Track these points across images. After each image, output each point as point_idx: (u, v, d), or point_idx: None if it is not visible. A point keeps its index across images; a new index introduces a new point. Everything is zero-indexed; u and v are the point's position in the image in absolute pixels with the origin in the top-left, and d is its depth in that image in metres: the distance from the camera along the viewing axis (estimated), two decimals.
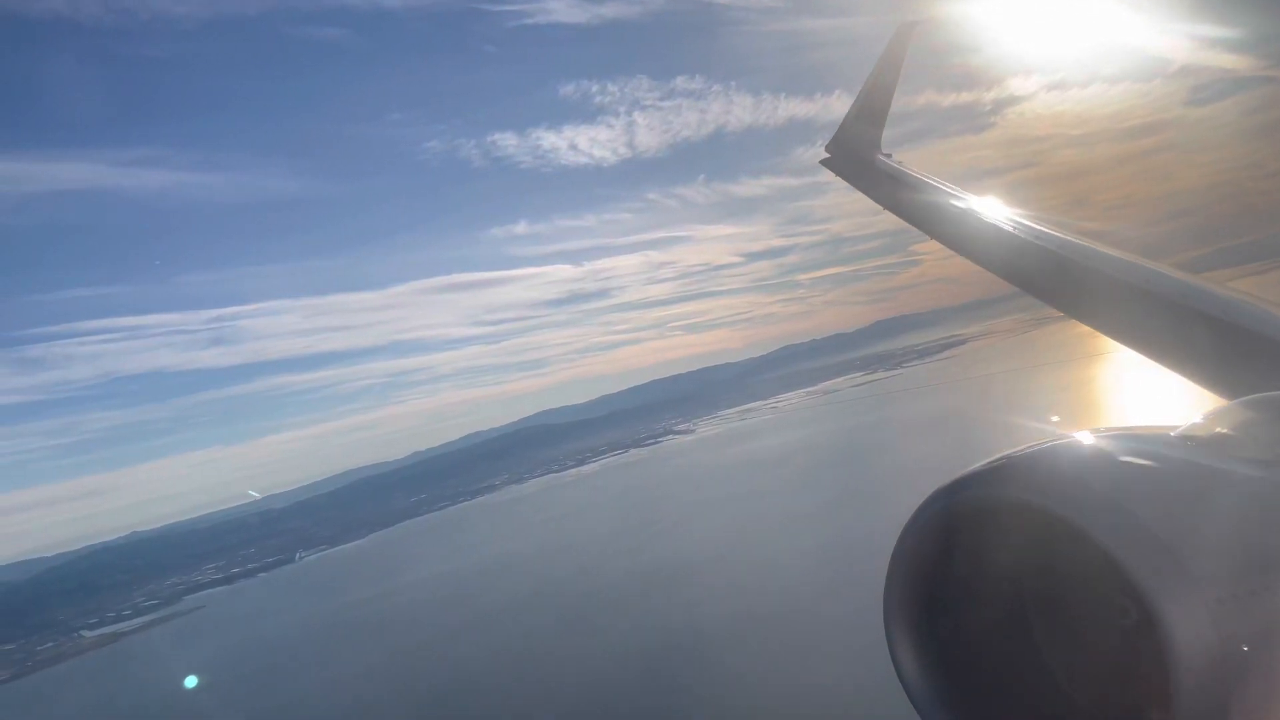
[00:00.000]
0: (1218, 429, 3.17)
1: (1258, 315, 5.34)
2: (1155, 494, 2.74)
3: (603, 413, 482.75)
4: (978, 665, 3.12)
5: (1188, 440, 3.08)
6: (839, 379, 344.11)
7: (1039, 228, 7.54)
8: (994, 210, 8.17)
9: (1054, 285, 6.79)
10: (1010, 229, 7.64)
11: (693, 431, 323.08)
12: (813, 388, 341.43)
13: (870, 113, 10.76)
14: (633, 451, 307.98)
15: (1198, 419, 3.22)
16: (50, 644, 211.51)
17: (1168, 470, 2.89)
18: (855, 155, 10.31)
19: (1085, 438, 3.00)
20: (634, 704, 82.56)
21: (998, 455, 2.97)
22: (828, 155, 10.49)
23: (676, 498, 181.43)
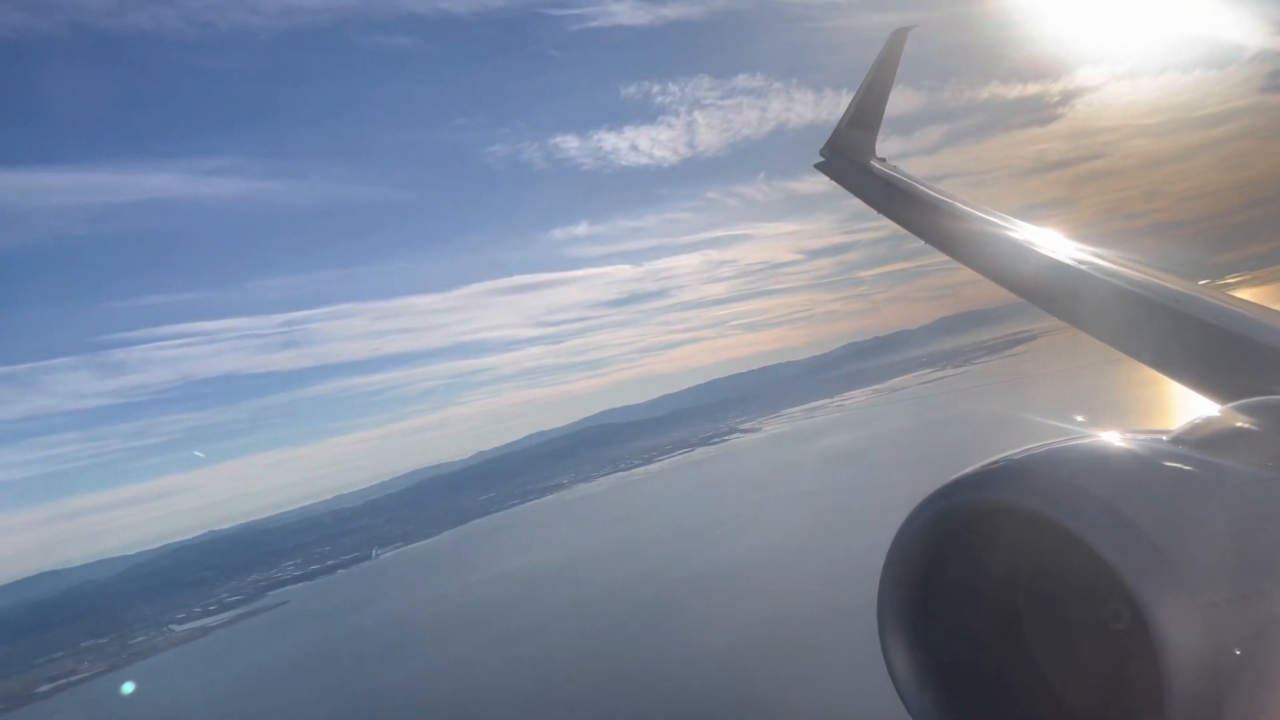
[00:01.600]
0: (1211, 433, 3.14)
1: (1250, 320, 5.43)
2: (1148, 498, 2.74)
3: (664, 412, 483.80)
4: (971, 669, 3.12)
5: (1180, 444, 3.06)
6: (906, 376, 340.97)
7: (1032, 232, 7.74)
8: (987, 215, 8.30)
9: (1047, 289, 6.83)
10: (1004, 234, 7.80)
11: (758, 430, 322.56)
12: (879, 385, 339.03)
13: (865, 117, 10.75)
14: (699, 450, 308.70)
15: (1191, 423, 3.20)
16: (142, 638, 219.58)
17: (1161, 474, 2.89)
18: (850, 159, 10.36)
19: (1078, 441, 3.02)
20: (714, 701, 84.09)
21: (991, 459, 2.97)
22: (822, 159, 10.57)
23: (749, 495, 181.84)
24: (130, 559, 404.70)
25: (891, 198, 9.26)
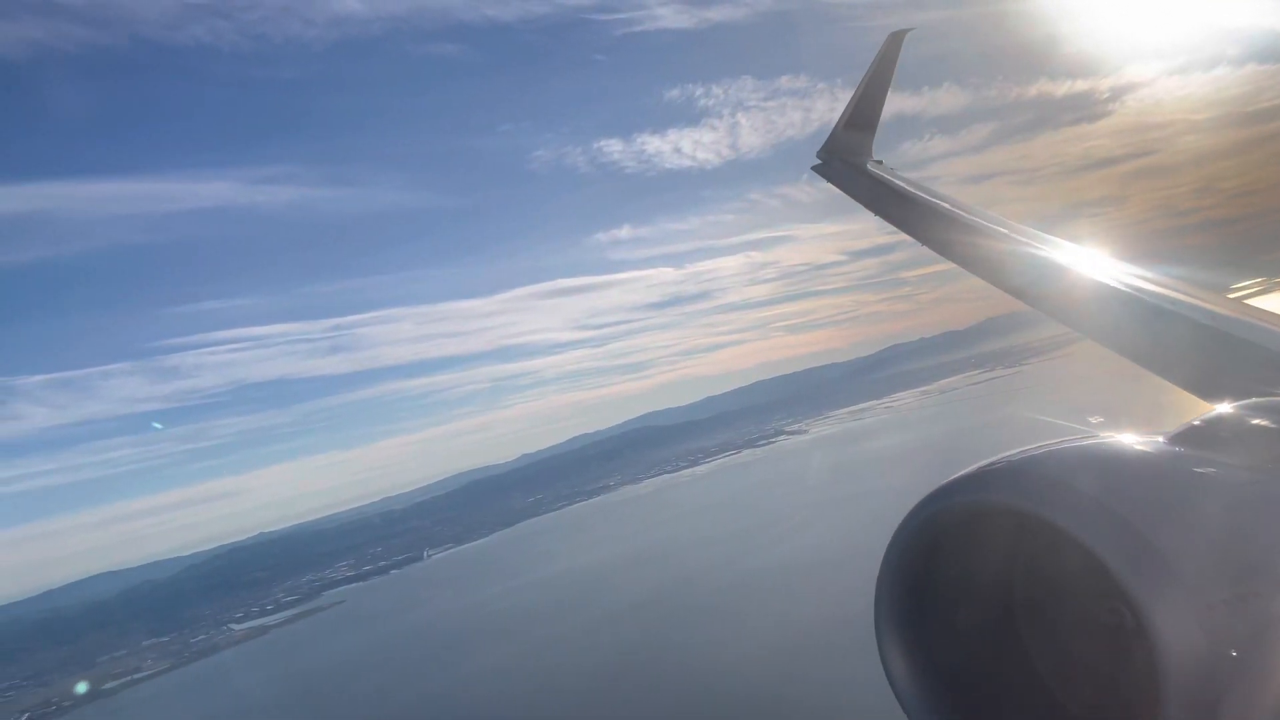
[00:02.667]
0: (1208, 435, 3.14)
1: (1248, 321, 5.47)
2: (1144, 499, 2.75)
3: (708, 414, 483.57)
4: (967, 670, 3.14)
5: (1176, 445, 3.08)
6: (955, 377, 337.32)
7: (1027, 233, 7.76)
8: (982, 218, 8.32)
9: (1042, 290, 6.84)
10: (999, 235, 7.81)
11: (805, 432, 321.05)
12: (928, 386, 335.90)
13: (862, 120, 10.75)
14: (745, 452, 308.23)
15: (1187, 425, 3.20)
16: (202, 636, 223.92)
17: (1157, 475, 2.92)
18: (847, 162, 10.40)
19: (1075, 442, 3.03)
20: (767, 702, 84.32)
21: (988, 460, 3.00)
22: (819, 162, 10.60)
23: (801, 497, 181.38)
24: (185, 560, 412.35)
25: (888, 200, 9.30)
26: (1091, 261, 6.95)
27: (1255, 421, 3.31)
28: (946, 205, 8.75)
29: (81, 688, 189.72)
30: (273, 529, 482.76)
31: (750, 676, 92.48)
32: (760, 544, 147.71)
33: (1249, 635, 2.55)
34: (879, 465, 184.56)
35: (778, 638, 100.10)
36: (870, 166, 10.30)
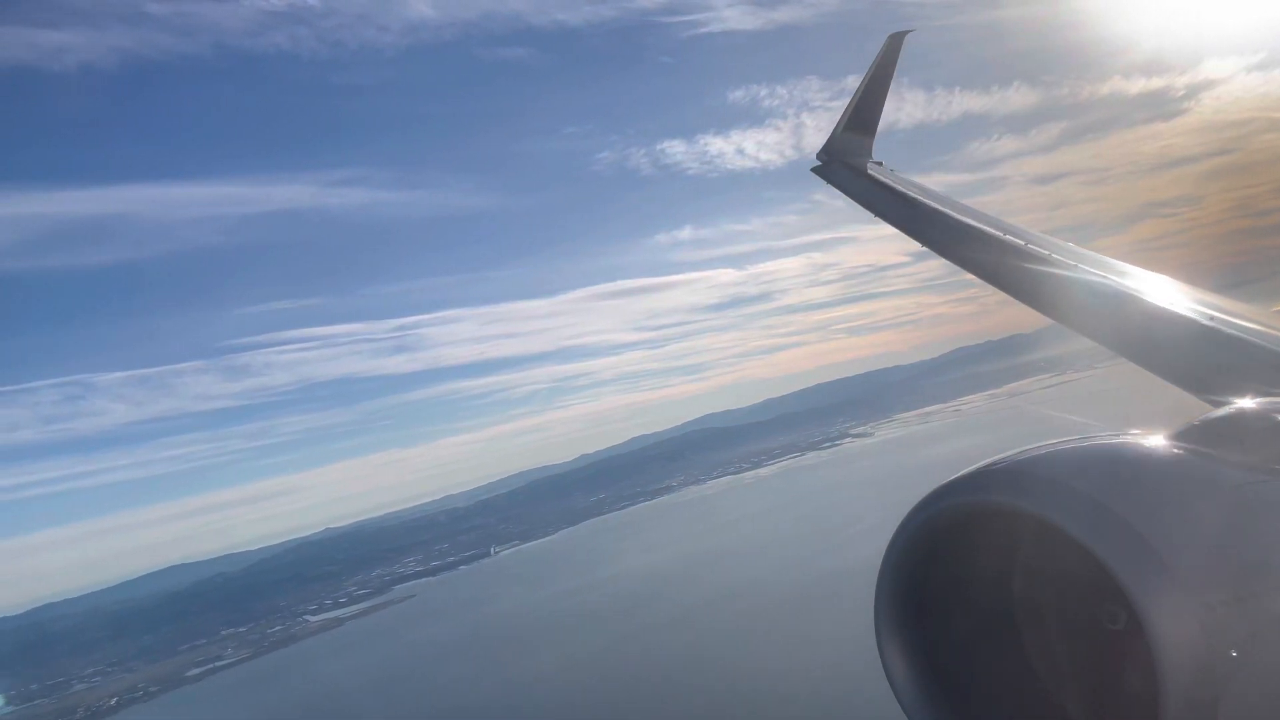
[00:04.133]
0: (1207, 435, 3.15)
1: (1248, 321, 5.51)
2: (1143, 499, 2.76)
3: (769, 416, 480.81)
4: (967, 670, 3.17)
5: (1176, 446, 3.08)
6: (1024, 381, 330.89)
7: (1027, 234, 7.82)
8: (981, 219, 8.37)
9: (1043, 291, 6.86)
10: (999, 236, 7.85)
11: (871, 435, 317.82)
12: (996, 390, 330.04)
13: (862, 121, 10.75)
14: (810, 454, 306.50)
15: (1187, 425, 3.21)
16: (279, 627, 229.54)
17: (1157, 476, 2.93)
18: (847, 164, 10.43)
19: (1073, 443, 3.06)
20: (842, 699, 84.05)
21: (987, 460, 3.02)
22: (819, 163, 10.61)
23: (870, 499, 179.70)
24: (255, 554, 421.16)
25: (888, 202, 9.37)
26: (1089, 262, 7.05)
27: (1255, 422, 3.30)
28: (946, 207, 8.81)
29: (165, 674, 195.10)
30: (338, 525, 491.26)
31: (821, 679, 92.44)
32: (833, 546, 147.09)
33: (1249, 636, 2.55)
34: (950, 469, 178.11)
35: (852, 641, 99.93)
36: (870, 169, 10.34)
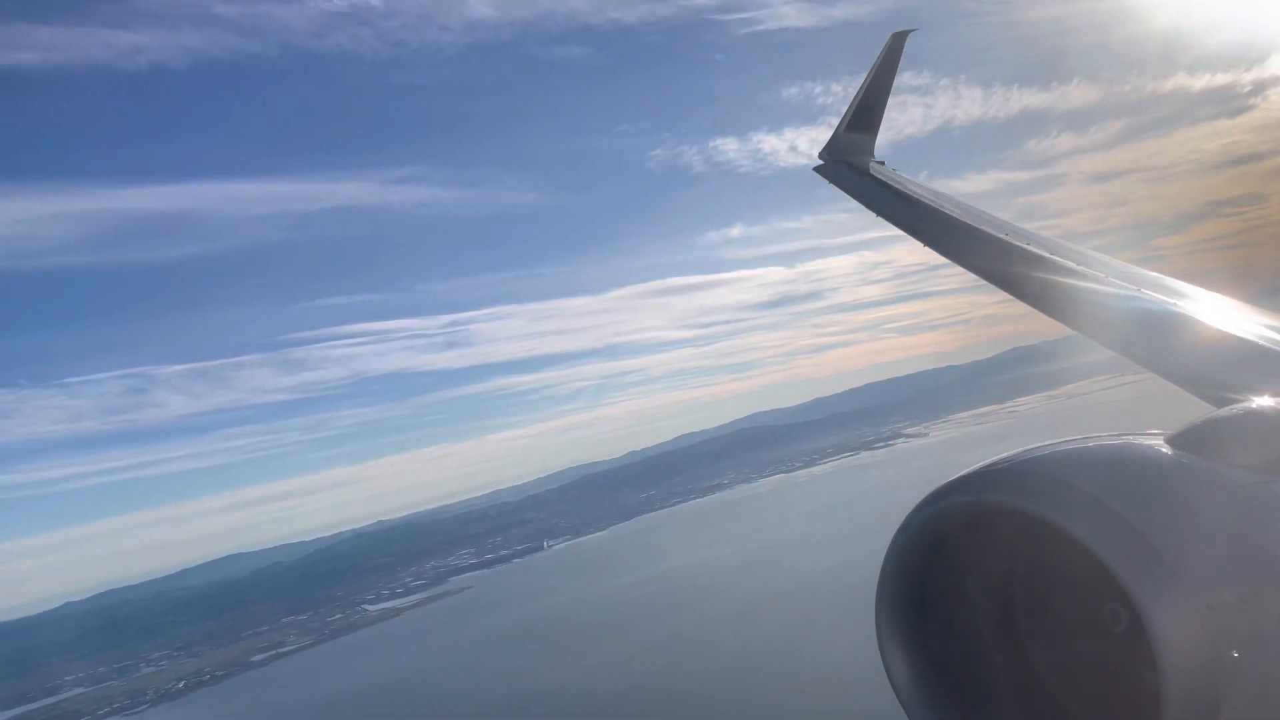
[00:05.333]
0: (1208, 436, 3.15)
1: (1249, 321, 5.52)
2: (1145, 499, 2.77)
3: (819, 415, 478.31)
4: (968, 670, 3.19)
5: (1178, 446, 3.09)
6: (1082, 382, 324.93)
7: (1029, 235, 7.83)
8: (985, 218, 8.40)
9: (1041, 289, 6.85)
10: (1001, 236, 7.85)
11: (925, 435, 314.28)
12: (1053, 391, 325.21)
13: (864, 121, 10.73)
14: (863, 454, 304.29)
15: (1187, 425, 3.22)
16: (338, 615, 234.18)
17: (1158, 476, 2.94)
18: (849, 163, 10.42)
19: (1075, 443, 3.08)
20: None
21: (989, 460, 3.03)
22: (821, 163, 10.61)
23: None
24: (310, 544, 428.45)
25: (890, 201, 9.37)
26: (1090, 261, 7.07)
27: (1256, 422, 3.31)
28: (947, 207, 8.82)
29: (230, 659, 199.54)
30: (390, 517, 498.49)
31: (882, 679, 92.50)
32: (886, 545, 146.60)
33: (1251, 636, 2.55)
34: None
35: None
36: (872, 168, 10.33)
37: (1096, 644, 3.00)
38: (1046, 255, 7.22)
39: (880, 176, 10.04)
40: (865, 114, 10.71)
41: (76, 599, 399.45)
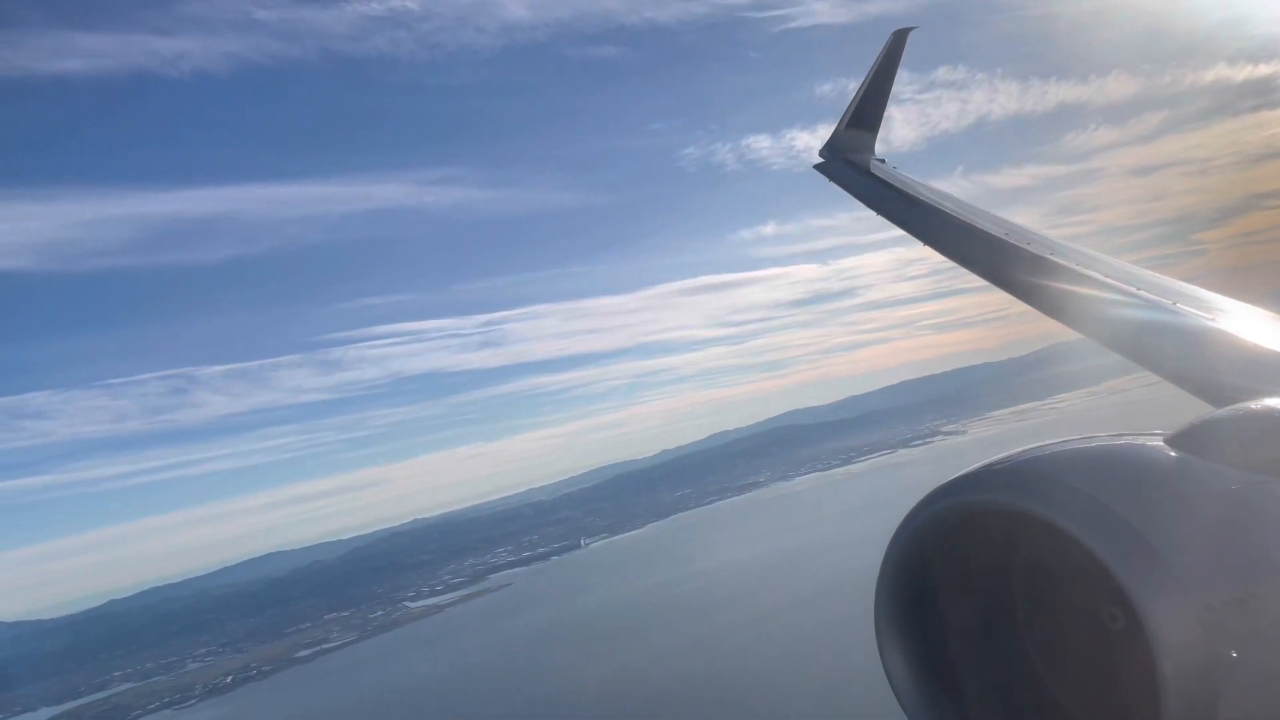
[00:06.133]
0: (1207, 436, 3.16)
1: (1247, 322, 5.59)
2: (1144, 500, 2.78)
3: (854, 414, 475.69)
4: (967, 670, 3.20)
5: (1177, 446, 3.10)
6: (1124, 379, 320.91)
7: (1031, 234, 7.82)
8: (985, 217, 8.39)
9: (1045, 291, 6.82)
10: (1002, 236, 7.84)
11: (964, 433, 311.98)
12: (1094, 388, 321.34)
13: (864, 119, 10.69)
14: (901, 452, 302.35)
15: (1186, 425, 3.24)
16: (380, 612, 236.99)
17: (1157, 476, 2.95)
18: (850, 161, 10.39)
19: (1074, 443, 3.09)
20: None
21: (988, 459, 3.05)
22: (822, 160, 10.60)
23: None
24: (348, 542, 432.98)
25: (890, 199, 9.34)
26: (1090, 261, 7.08)
27: (1255, 423, 3.32)
28: (948, 205, 8.82)
29: (275, 654, 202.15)
30: (427, 515, 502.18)
31: None
32: None
33: (1249, 636, 2.56)
34: None
35: None
36: (873, 166, 10.28)
37: (1095, 644, 3.01)
38: (1046, 255, 7.21)
39: (880, 175, 10.04)
40: (866, 112, 10.70)
41: (120, 596, 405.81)
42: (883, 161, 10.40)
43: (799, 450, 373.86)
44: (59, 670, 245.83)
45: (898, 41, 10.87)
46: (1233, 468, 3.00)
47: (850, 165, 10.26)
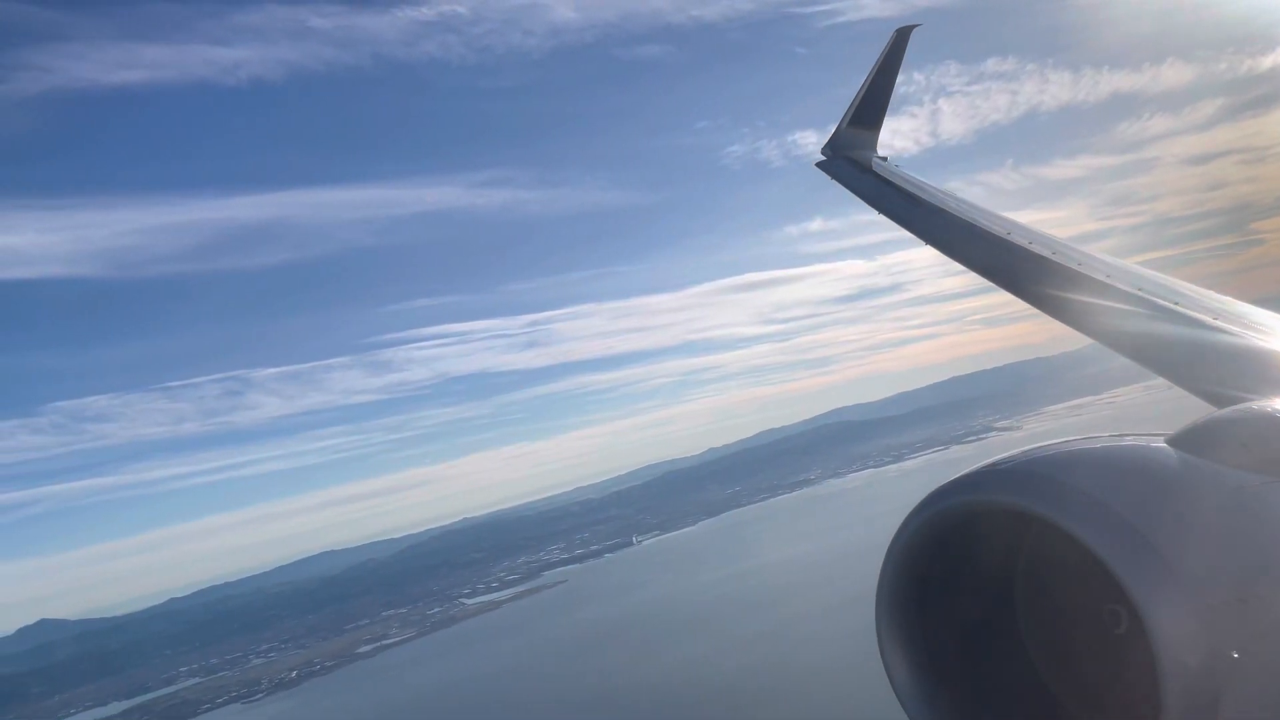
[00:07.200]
0: (1209, 437, 3.16)
1: (1251, 322, 5.52)
2: (1146, 500, 2.78)
3: (904, 410, 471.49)
4: (967, 670, 3.21)
5: (1178, 447, 3.10)
6: None
7: (1033, 233, 7.70)
8: (986, 217, 8.27)
9: (1046, 291, 6.77)
10: (1004, 234, 7.75)
11: (1019, 428, 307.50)
12: (1150, 381, 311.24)
13: (867, 117, 10.59)
14: (954, 448, 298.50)
15: (1188, 425, 3.23)
16: (437, 609, 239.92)
17: (1159, 476, 2.94)
18: (852, 158, 10.28)
19: (1076, 443, 3.10)
20: None
21: (990, 459, 3.06)
22: (824, 158, 10.48)
23: None
24: (400, 541, 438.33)
25: (892, 198, 9.23)
26: (1091, 261, 7.01)
27: (1256, 423, 3.31)
28: (950, 204, 8.74)
29: (337, 650, 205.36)
30: (476, 514, 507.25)
31: None
32: None
33: (1250, 636, 2.56)
34: None
35: None
36: (875, 164, 10.16)
37: (1096, 644, 3.02)
38: (1048, 255, 7.15)
39: (882, 173, 9.90)
40: (868, 110, 10.59)
41: (179, 595, 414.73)
42: (885, 160, 10.33)
43: (849, 447, 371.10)
44: (125, 666, 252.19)
45: (900, 39, 10.81)
46: (1235, 468, 3.00)
47: (852, 164, 10.16)
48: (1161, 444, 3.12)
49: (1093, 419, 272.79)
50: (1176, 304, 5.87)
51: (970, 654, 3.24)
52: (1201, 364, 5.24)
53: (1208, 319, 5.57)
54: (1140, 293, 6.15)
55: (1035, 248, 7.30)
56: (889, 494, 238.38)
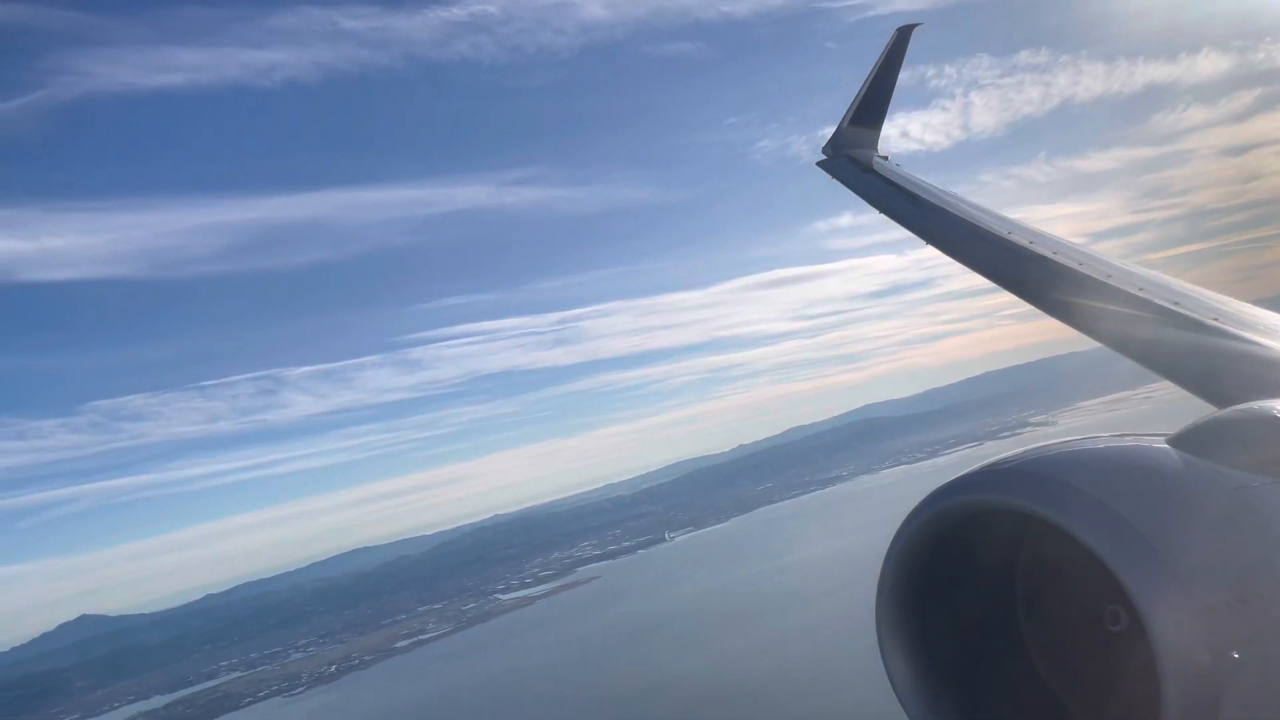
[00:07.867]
0: (1209, 437, 3.17)
1: (1249, 323, 5.52)
2: (1146, 500, 2.79)
3: (935, 406, 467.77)
4: (968, 670, 3.22)
5: (1179, 447, 3.12)
6: None
7: (1033, 233, 7.70)
8: (987, 217, 8.28)
9: (1047, 291, 6.80)
10: (1005, 234, 7.76)
11: (1054, 424, 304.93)
12: None
13: (868, 116, 10.55)
14: (988, 444, 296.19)
15: (1188, 426, 3.24)
16: (472, 604, 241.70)
17: (1159, 477, 2.95)
18: (853, 158, 10.25)
19: (1076, 443, 3.11)
20: None
21: (990, 460, 3.08)
22: (824, 157, 10.48)
23: None
24: (432, 538, 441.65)
25: (892, 197, 9.22)
26: (1093, 261, 7.01)
27: (1257, 424, 3.32)
28: (951, 204, 8.74)
29: (375, 644, 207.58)
30: (507, 511, 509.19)
31: None
32: None
33: (1250, 637, 2.57)
34: None
35: None
36: (876, 163, 10.12)
37: (1097, 644, 3.02)
38: (1049, 255, 7.17)
39: (883, 172, 9.86)
40: (870, 109, 10.55)
41: (216, 591, 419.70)
42: (886, 159, 10.29)
43: (881, 444, 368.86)
44: (166, 661, 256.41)
45: (902, 38, 10.79)
46: (1235, 469, 3.01)
47: (853, 163, 10.13)
48: (1162, 444, 3.14)
49: (1130, 414, 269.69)
50: (1177, 304, 5.89)
51: (971, 654, 3.24)
52: (1202, 364, 5.23)
53: (1208, 319, 5.59)
54: (1141, 293, 6.18)
55: (1036, 247, 7.33)
56: (924, 490, 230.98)
